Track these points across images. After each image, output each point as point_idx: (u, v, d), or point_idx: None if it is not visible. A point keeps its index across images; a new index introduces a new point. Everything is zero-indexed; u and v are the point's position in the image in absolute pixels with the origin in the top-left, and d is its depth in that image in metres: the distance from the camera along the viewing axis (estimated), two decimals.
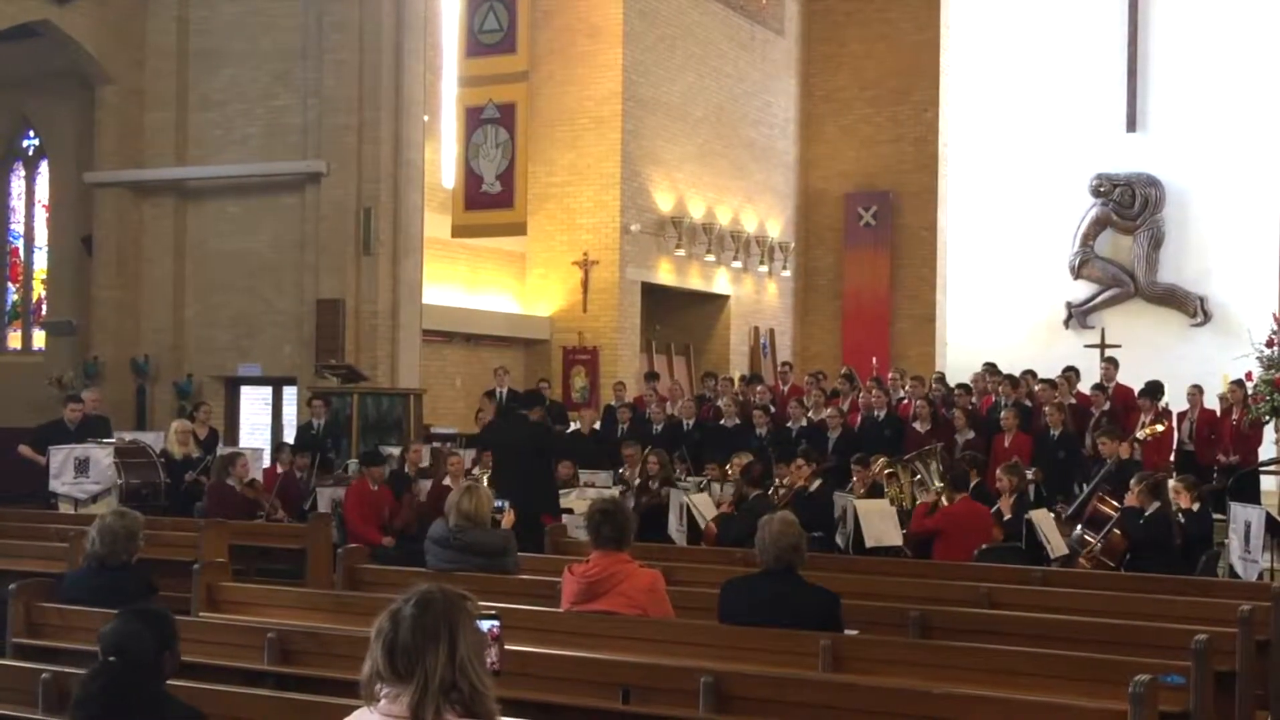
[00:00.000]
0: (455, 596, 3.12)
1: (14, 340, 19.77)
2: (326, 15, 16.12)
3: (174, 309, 17.00)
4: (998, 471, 10.88)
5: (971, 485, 10.69)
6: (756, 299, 22.78)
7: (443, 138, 18.82)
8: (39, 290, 19.57)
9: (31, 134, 19.45)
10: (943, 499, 10.30)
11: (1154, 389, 13.67)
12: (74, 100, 17.92)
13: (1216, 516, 11.17)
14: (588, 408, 17.07)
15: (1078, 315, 23.23)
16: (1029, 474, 11.82)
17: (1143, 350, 19.92)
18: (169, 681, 4.13)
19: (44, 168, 19.29)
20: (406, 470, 12.29)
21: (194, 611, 6.82)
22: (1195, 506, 10.16)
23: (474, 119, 18.34)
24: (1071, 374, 14.77)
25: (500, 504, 7.56)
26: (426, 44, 17.18)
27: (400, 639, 3.02)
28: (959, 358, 21.69)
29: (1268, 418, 13.17)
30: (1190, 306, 22.60)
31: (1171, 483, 10.66)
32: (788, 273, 23.49)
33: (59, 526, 10.00)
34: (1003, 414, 13.23)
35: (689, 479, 12.87)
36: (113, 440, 13.03)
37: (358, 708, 3.13)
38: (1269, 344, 13.25)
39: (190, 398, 16.24)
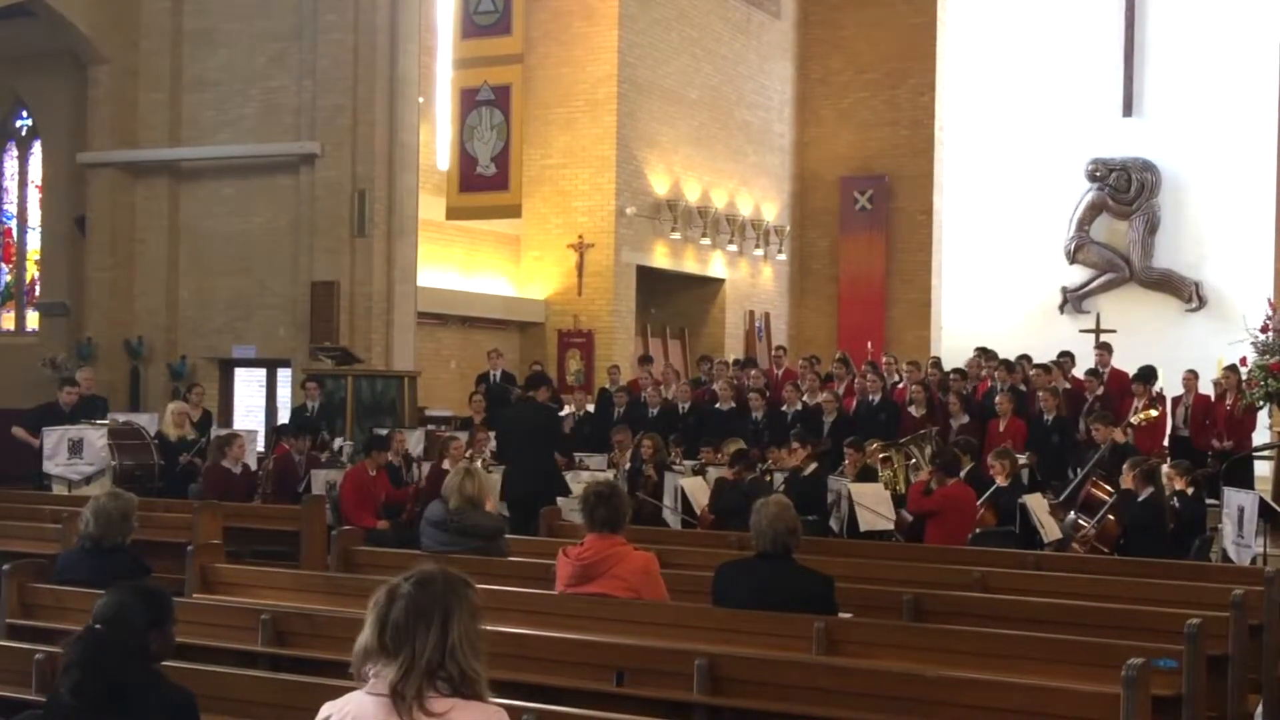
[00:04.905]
0: (456, 580, 3.11)
1: (7, 321, 19.74)
2: None
3: (168, 290, 16.97)
4: (989, 458, 10.89)
5: (965, 470, 10.71)
6: (752, 282, 22.76)
7: (438, 120, 18.77)
8: (32, 271, 19.54)
9: (25, 114, 19.39)
10: (932, 483, 10.31)
11: (1148, 374, 13.68)
12: (67, 80, 17.86)
13: (1210, 501, 11.19)
14: (581, 390, 17.07)
15: (1073, 300, 23.26)
16: (1022, 459, 11.83)
17: (1137, 335, 19.97)
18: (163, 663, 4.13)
19: (37, 148, 19.24)
20: (391, 459, 12.16)
21: (188, 593, 6.83)
22: (1189, 491, 10.19)
23: (469, 101, 18.29)
24: (1066, 359, 14.77)
25: None
26: (421, 25, 17.12)
27: (393, 616, 3.02)
28: (954, 342, 21.71)
29: (1262, 403, 13.17)
30: (1185, 291, 22.63)
31: (1165, 468, 10.68)
32: (783, 256, 23.48)
33: (53, 508, 9.99)
34: (997, 399, 13.22)
35: (684, 463, 12.86)
36: (106, 422, 13.03)
37: (351, 689, 3.13)
38: (1264, 329, 13.24)
39: (184, 379, 16.22)
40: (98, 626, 3.93)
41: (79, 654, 3.78)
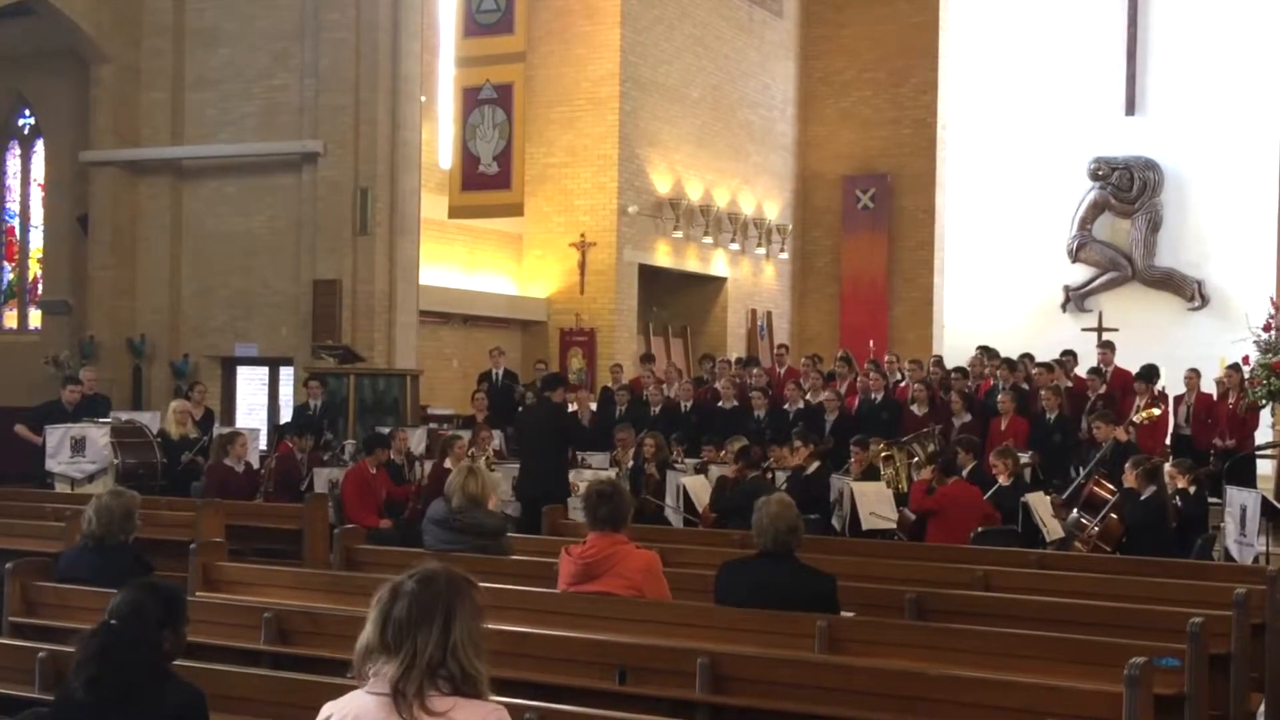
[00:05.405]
0: (459, 579, 3.11)
1: (10, 319, 19.76)
2: None
3: (170, 289, 16.98)
4: (990, 457, 10.89)
5: (968, 469, 10.70)
6: (754, 281, 22.76)
7: (440, 118, 18.77)
8: (35, 269, 19.55)
9: (27, 112, 19.40)
10: (934, 482, 10.30)
11: (1149, 373, 13.68)
12: (70, 79, 17.87)
13: (1212, 500, 11.19)
14: (583, 389, 17.07)
15: (1075, 299, 23.24)
16: (1025, 457, 11.83)
17: (1140, 334, 19.97)
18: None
19: (40, 146, 19.25)
20: (394, 458, 12.17)
21: (191, 591, 6.82)
22: (1191, 490, 10.18)
23: (471, 99, 18.29)
24: (1068, 358, 14.77)
25: None
26: (424, 24, 17.12)
27: (395, 613, 3.02)
28: (956, 341, 21.69)
29: (1264, 402, 13.17)
30: (1188, 290, 22.61)
31: (1168, 467, 10.68)
32: (785, 255, 23.47)
33: (55, 506, 9.99)
34: (1000, 397, 13.22)
35: (686, 461, 12.87)
36: (109, 420, 13.05)
37: (353, 688, 3.13)
38: (1266, 328, 13.25)
39: (187, 377, 16.23)
40: (113, 623, 3.94)
41: (93, 650, 3.79)
